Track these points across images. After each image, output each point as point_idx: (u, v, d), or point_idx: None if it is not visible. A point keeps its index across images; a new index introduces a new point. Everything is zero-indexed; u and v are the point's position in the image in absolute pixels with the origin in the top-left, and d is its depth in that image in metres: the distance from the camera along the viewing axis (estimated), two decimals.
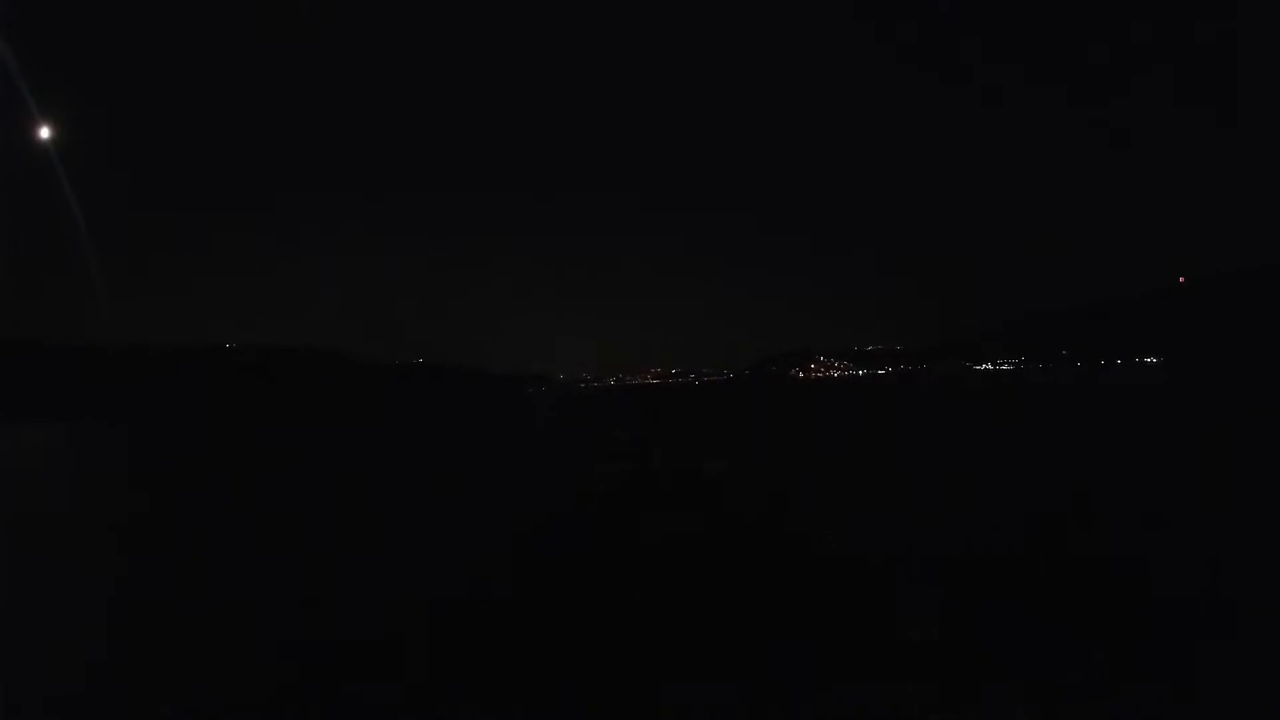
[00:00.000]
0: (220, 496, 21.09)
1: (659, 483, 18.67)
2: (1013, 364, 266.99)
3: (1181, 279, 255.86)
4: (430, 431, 53.07)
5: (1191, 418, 30.60)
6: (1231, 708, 5.39)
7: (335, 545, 12.91)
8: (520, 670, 6.60)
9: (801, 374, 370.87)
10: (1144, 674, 5.92)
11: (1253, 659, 6.12)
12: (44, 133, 37.43)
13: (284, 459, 35.33)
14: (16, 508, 20.73)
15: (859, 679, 6.07)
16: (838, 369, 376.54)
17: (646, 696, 5.97)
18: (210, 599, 9.58)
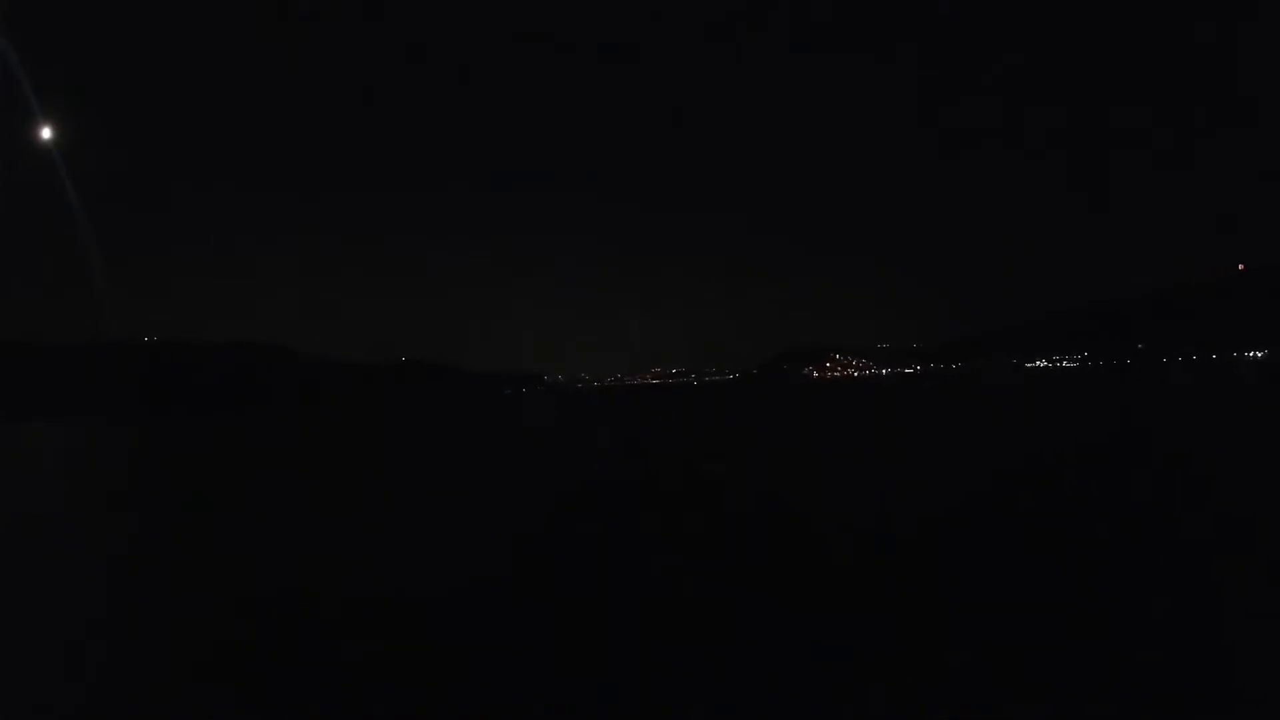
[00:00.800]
0: (219, 495, 21.07)
1: (648, 484, 18.67)
2: (1075, 360, 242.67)
3: (1241, 266, 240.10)
4: (421, 430, 53.07)
5: None
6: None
7: (334, 546, 12.89)
8: (520, 670, 6.58)
9: (817, 373, 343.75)
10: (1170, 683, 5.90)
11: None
12: (45, 133, 37.52)
13: (282, 458, 35.32)
14: (16, 508, 20.71)
15: (859, 684, 6.05)
16: (857, 367, 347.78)
17: (647, 697, 5.95)
18: (210, 599, 9.56)
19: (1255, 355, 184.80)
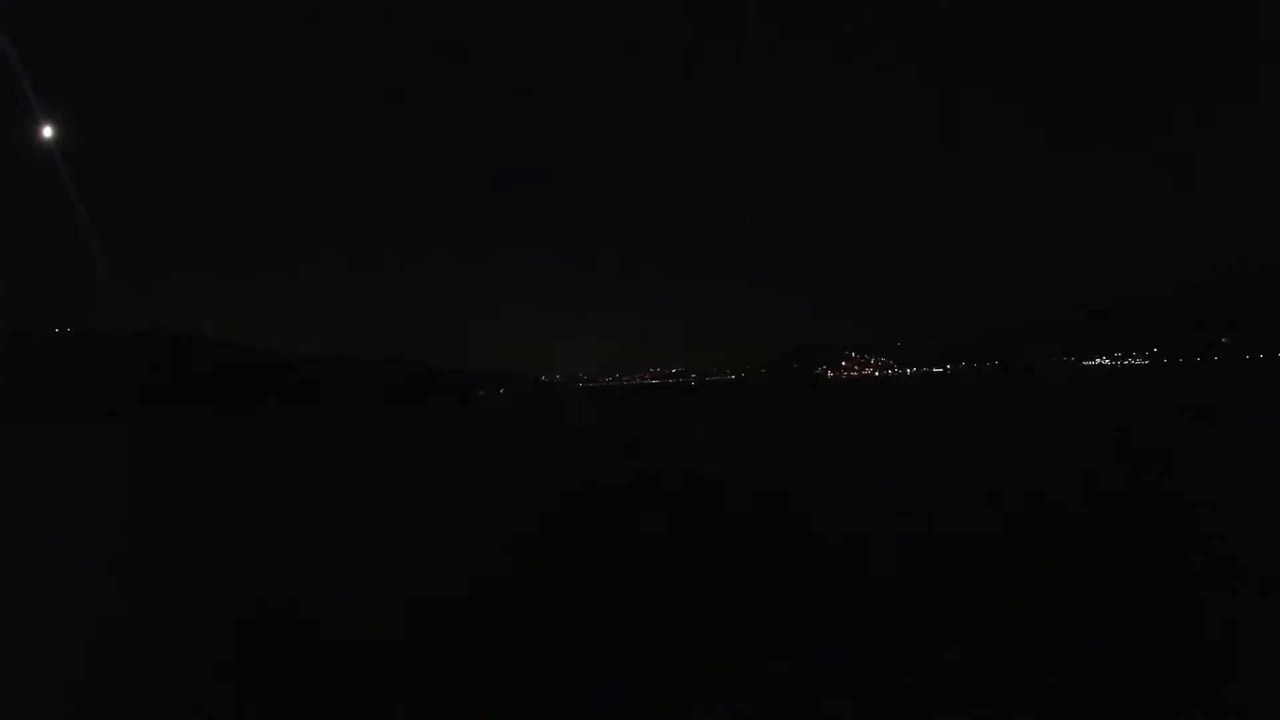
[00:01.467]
0: (219, 496, 21.06)
1: (648, 484, 18.68)
2: (1143, 357, 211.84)
3: None
4: (417, 431, 53.06)
5: None
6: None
7: (334, 546, 12.90)
8: (520, 671, 6.60)
9: (832, 372, 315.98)
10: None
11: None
12: (46, 132, 37.53)
13: (282, 459, 35.30)
14: (16, 509, 20.69)
15: (859, 684, 6.07)
16: (876, 366, 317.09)
17: (647, 698, 5.97)
18: (211, 602, 9.57)
19: None
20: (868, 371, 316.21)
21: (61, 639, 8.27)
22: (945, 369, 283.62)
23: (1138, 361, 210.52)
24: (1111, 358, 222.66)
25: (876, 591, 8.44)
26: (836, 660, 6.46)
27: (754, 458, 24.71)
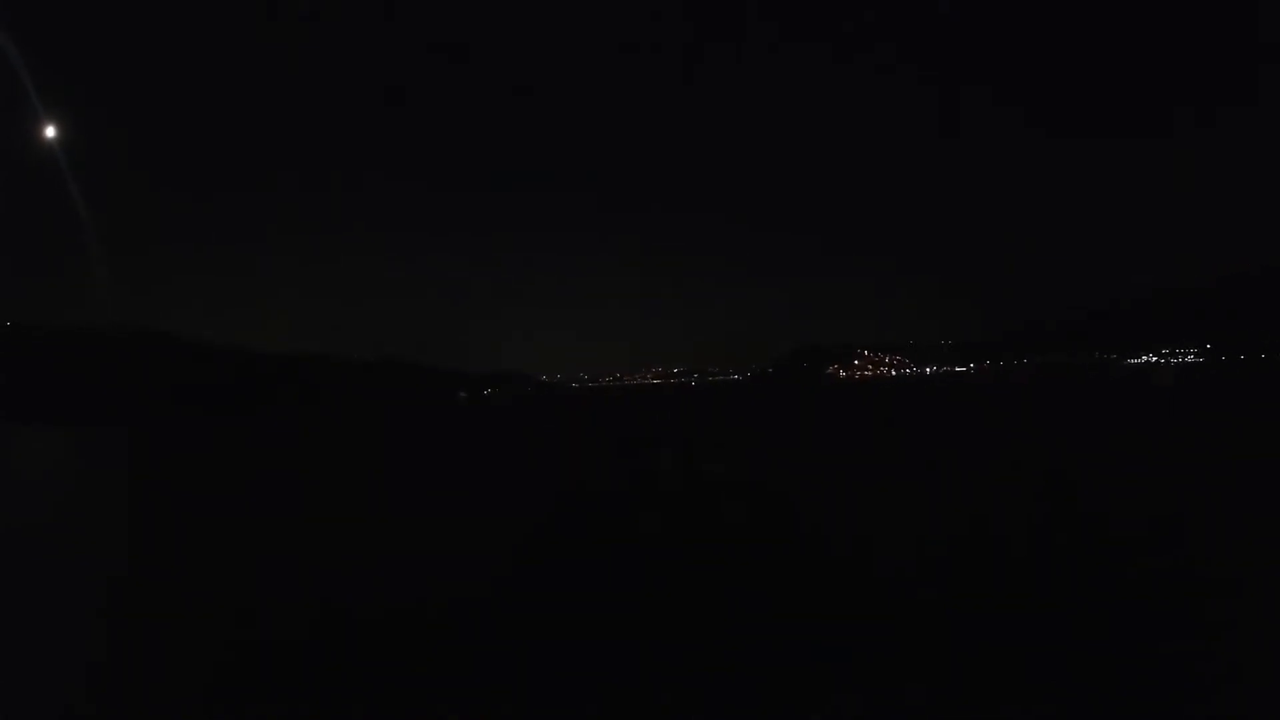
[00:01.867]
0: (219, 496, 21.04)
1: (648, 485, 18.65)
2: (1192, 354, 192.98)
3: None
4: (417, 431, 53.05)
5: None
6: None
7: (334, 545, 12.88)
8: (521, 672, 6.58)
9: (844, 372, 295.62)
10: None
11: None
12: (49, 131, 37.65)
13: (280, 459, 35.30)
14: (17, 511, 20.67)
15: (858, 685, 6.05)
16: (893, 365, 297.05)
17: (646, 696, 5.95)
18: (210, 600, 9.55)
19: None
20: (882, 370, 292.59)
21: (63, 637, 8.25)
22: (968, 368, 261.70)
23: (1189, 359, 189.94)
24: (1159, 354, 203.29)
25: (874, 592, 8.42)
26: (835, 660, 6.43)
27: (753, 458, 24.67)
